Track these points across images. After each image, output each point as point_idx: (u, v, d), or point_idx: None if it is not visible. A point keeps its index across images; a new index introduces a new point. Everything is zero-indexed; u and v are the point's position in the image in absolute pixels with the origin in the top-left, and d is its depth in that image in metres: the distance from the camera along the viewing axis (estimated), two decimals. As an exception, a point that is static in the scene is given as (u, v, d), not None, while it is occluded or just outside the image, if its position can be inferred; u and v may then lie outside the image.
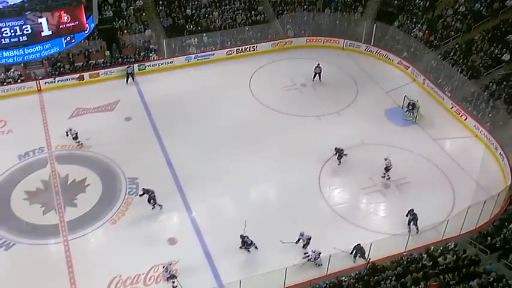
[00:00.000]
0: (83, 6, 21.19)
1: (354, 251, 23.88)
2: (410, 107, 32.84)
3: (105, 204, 27.24)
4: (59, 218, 26.56)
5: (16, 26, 20.10)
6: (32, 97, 35.44)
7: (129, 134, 32.00)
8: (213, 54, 39.02)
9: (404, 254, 23.74)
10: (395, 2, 41.29)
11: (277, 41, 40.23)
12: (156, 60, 38.17)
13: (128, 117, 33.32)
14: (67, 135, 30.51)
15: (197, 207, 26.90)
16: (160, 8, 40.47)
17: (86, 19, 21.58)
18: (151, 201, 26.68)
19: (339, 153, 29.10)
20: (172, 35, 39.08)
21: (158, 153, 30.29)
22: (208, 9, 40.97)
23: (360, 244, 23.82)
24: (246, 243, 24.67)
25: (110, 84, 36.50)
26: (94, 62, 37.63)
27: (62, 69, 36.96)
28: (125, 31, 38.91)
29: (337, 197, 27.80)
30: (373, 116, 33.28)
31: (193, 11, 40.62)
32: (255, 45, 39.79)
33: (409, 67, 37.38)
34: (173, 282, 23.14)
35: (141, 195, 26.91)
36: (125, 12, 39.80)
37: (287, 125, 32.27)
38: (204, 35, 39.39)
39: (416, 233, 25.16)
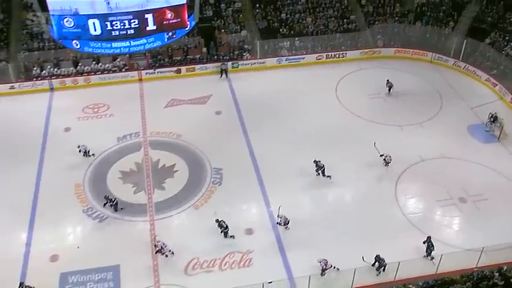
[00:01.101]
0: (186, 6, 21.67)
1: (375, 262, 23.09)
2: (492, 119, 31.51)
3: (190, 190, 27.80)
4: (148, 198, 27.38)
5: (125, 20, 20.84)
6: (133, 85, 36.74)
7: (218, 126, 32.47)
8: (304, 58, 38.91)
9: (475, 270, 22.75)
10: (489, 18, 39.58)
11: (366, 50, 39.61)
12: (249, 59, 38.52)
13: (218, 111, 33.83)
14: (79, 151, 29.78)
15: (275, 202, 26.94)
16: (257, 10, 40.77)
17: (188, 17, 22.06)
18: (114, 207, 26.62)
19: (318, 165, 28.07)
20: (266, 37, 39.30)
21: (243, 147, 30.54)
22: (302, 14, 40.87)
23: (379, 255, 23.00)
24: (222, 227, 24.79)
25: (205, 79, 37.19)
26: (191, 57, 38.43)
27: (161, 61, 38.05)
28: (222, 30, 39.51)
29: (412, 206, 27.03)
30: (456, 130, 32.04)
31: (288, 16, 40.64)
32: (345, 52, 39.35)
33: (497, 85, 35.72)
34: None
35: (104, 204, 26.73)
36: (224, 13, 40.39)
37: (369, 131, 31.65)
38: (297, 39, 39.36)
39: (431, 259, 23.79)
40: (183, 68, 37.62)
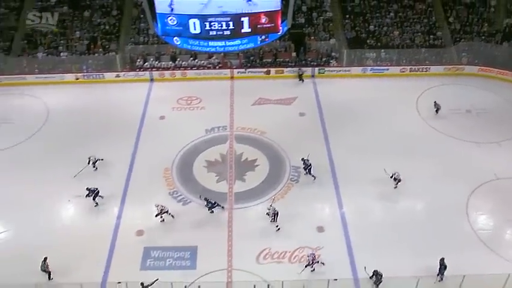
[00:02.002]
0: (280, 12, 21.61)
1: (373, 276, 22.10)
2: None
3: (268, 185, 27.82)
4: (229, 188, 27.65)
5: (223, 21, 21.02)
6: (225, 82, 37.17)
7: (300, 127, 32.24)
8: (388, 69, 37.92)
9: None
10: None
11: (449, 66, 38.03)
12: (335, 66, 38.00)
13: (302, 113, 33.60)
14: (88, 162, 28.75)
15: (348, 204, 26.46)
16: (347, 21, 40.16)
17: (281, 23, 21.98)
18: (95, 198, 26.48)
19: (306, 164, 27.63)
20: (354, 46, 38.63)
21: (322, 149, 30.15)
22: (390, 28, 39.85)
23: (377, 270, 22.00)
24: (210, 203, 25.48)
25: (292, 82, 37.01)
26: (281, 60, 38.42)
27: (253, 62, 38.28)
28: (312, 37, 39.22)
29: (482, 223, 25.68)
30: (536, 152, 30.19)
31: (376, 28, 39.76)
32: (428, 67, 37.97)
33: None
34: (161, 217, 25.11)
35: (86, 195, 26.38)
36: (315, 21, 40.07)
37: (446, 145, 30.42)
38: (383, 50, 38.41)
39: (439, 281, 22.36)
40: (272, 70, 37.66)
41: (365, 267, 22.35)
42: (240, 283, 22.45)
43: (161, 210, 25.30)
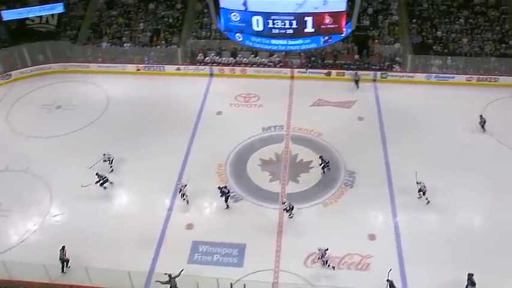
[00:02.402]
0: (345, 13, 21.44)
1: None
2: None
3: (322, 188, 27.68)
4: (281, 188, 27.69)
5: (286, 20, 21.07)
6: (284, 81, 37.19)
7: (358, 132, 31.88)
8: (454, 77, 36.82)
9: None
10: None
11: (521, 77, 36.65)
12: (398, 72, 37.29)
13: (361, 117, 33.19)
14: (104, 160, 29.13)
15: (402, 213, 25.99)
16: (413, 25, 39.32)
17: (345, 24, 21.81)
18: (102, 185, 27.63)
19: (323, 160, 28.05)
20: (419, 52, 37.76)
21: (379, 156, 29.71)
22: (459, 34, 38.76)
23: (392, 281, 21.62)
24: (224, 193, 26.10)
25: (352, 85, 36.58)
26: (342, 62, 38.07)
27: (314, 63, 38.13)
28: (376, 40, 38.66)
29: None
30: None
31: (444, 34, 38.73)
32: (497, 77, 36.65)
33: None
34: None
35: (96, 182, 27.47)
36: (380, 24, 39.48)
37: (508, 159, 29.38)
38: (449, 58, 37.37)
39: None
40: (333, 72, 37.38)
41: (390, 270, 21.93)
42: (286, 285, 22.46)
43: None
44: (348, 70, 37.29)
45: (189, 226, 25.66)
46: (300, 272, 23.20)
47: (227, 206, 26.52)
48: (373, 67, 37.55)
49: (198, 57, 38.94)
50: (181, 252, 24.26)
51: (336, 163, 29.23)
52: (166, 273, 21.83)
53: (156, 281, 21.76)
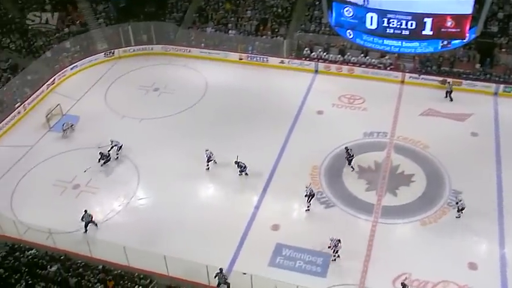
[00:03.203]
0: (470, 17, 20.83)
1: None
2: None
3: (422, 205, 27.13)
4: (377, 199, 27.45)
5: (403, 19, 20.76)
6: (393, 86, 36.69)
7: (470, 148, 30.82)
8: None
9: None
10: None
11: None
12: (526, 85, 35.58)
13: (475, 133, 32.02)
14: (111, 145, 30.93)
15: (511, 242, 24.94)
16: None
17: (469, 29, 21.19)
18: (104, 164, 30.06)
19: (348, 154, 28.95)
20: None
21: (491, 177, 28.53)
22: None
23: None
24: (241, 167, 28.47)
25: (470, 97, 35.29)
26: (460, 70, 36.84)
27: (428, 68, 37.26)
28: (503, 49, 36.95)
29: None
30: None
31: None
32: None
33: None
34: None
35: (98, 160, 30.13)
36: (511, 31, 37.68)
37: None
38: None
39: None
40: (450, 80, 36.27)
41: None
42: (370, 304, 22.40)
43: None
44: (466, 80, 36.07)
45: (275, 227, 26.09)
46: (387, 292, 22.96)
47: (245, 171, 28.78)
48: (496, 79, 36.06)
49: (304, 52, 39.30)
50: (263, 253, 24.75)
51: (441, 180, 28.50)
52: (220, 268, 22.66)
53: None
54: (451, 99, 35.08)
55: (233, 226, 26.14)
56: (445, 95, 35.26)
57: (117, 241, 23.92)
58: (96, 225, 26.47)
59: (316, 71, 38.52)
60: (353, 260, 24.26)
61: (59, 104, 35.05)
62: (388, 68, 37.70)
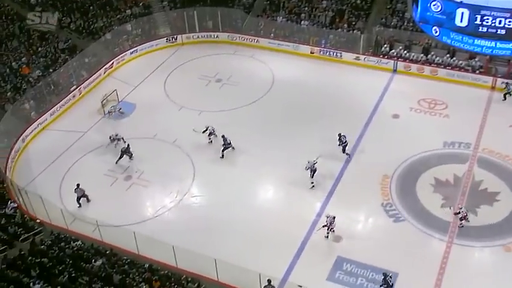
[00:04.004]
0: None
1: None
2: None
3: (506, 228, 26.14)
4: (454, 217, 26.62)
5: (500, 17, 20.12)
6: (482, 91, 35.68)
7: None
8: None
9: None
10: None
11: None
12: None
13: None
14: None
15: None
16: None
17: None
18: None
19: (340, 141, 29.88)
20: None
21: None
22: None
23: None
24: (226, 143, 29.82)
25: None
26: None
27: (525, 74, 36.06)
28: None
29: None
30: None
31: None
32: None
33: None
34: None
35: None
36: None
37: None
38: None
39: None
40: (512, 82, 35.01)
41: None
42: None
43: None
44: None
45: (337, 238, 25.82)
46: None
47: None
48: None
49: (383, 49, 38.78)
50: (322, 266, 24.56)
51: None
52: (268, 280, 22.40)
53: None
54: (505, 98, 34.60)
55: (291, 233, 26.05)
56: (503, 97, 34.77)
57: (166, 240, 24.17)
58: (88, 199, 27.93)
59: (395, 71, 37.94)
60: (422, 282, 23.66)
61: (115, 90, 35.98)
62: (477, 72, 36.60)
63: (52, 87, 36.17)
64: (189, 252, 23.60)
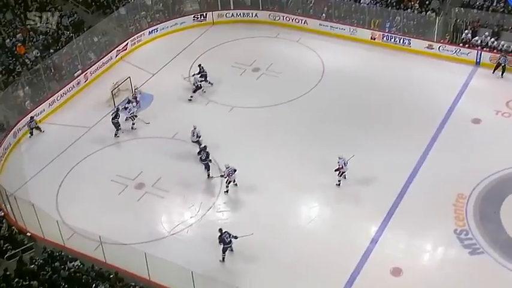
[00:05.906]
0: None
1: None
2: None
3: None
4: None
5: None
6: None
7: None
8: None
9: None
10: None
11: None
12: None
13: None
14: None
15: None
16: None
17: None
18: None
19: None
20: None
21: None
22: None
23: None
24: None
25: None
26: None
27: None
28: None
29: None
30: None
31: None
32: None
33: None
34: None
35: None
36: None
37: None
38: None
39: None
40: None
41: None
42: None
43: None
44: None
45: (396, 271, 25.53)
46: None
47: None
48: None
49: (464, 36, 38.41)
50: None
51: None
52: None
53: None
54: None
55: (340, 263, 25.88)
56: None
57: (183, 264, 24.16)
58: (40, 130, 32.82)
59: (478, 63, 37.55)
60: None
61: (129, 77, 36.30)
62: None
63: (52, 71, 36.68)
64: (211, 281, 23.69)
